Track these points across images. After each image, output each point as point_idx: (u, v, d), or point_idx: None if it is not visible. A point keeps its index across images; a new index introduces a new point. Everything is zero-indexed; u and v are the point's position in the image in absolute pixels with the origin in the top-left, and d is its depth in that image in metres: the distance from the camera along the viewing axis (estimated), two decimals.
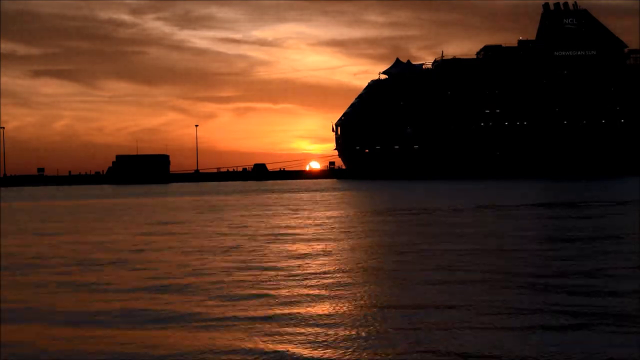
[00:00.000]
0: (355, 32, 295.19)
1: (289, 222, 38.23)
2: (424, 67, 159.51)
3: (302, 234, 30.61)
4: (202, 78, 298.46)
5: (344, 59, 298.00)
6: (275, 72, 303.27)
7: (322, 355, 10.94)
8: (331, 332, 12.35)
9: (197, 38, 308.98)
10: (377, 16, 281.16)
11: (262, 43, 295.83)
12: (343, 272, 19.32)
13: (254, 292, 16.41)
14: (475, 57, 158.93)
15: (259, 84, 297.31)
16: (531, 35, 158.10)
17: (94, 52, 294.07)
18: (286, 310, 14.20)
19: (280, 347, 11.41)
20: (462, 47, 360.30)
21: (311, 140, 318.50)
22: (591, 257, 20.94)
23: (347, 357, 10.88)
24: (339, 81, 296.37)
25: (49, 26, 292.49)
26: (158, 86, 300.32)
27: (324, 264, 20.84)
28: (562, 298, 14.92)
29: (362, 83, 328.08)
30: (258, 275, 18.98)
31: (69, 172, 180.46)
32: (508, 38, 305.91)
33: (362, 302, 15.07)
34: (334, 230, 32.71)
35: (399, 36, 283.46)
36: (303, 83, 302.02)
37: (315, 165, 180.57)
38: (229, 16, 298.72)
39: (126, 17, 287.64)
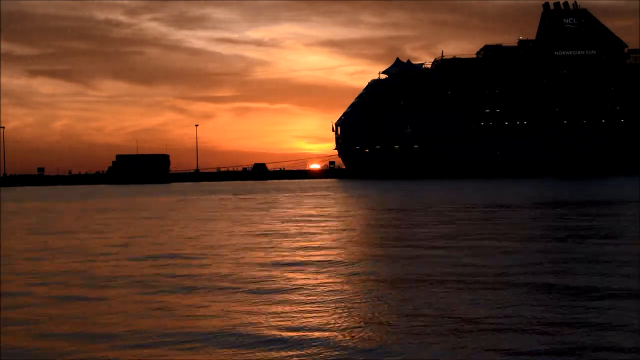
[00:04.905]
0: (352, 33, 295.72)
1: (287, 223, 38.26)
2: (423, 66, 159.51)
3: (302, 237, 30.65)
4: (199, 78, 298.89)
5: (341, 59, 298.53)
6: (273, 73, 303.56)
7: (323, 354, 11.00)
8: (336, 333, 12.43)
9: (194, 38, 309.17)
10: (373, 17, 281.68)
11: (259, 43, 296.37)
12: (343, 275, 19.37)
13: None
14: (475, 56, 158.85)
15: (256, 84, 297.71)
16: (531, 35, 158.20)
17: (91, 52, 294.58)
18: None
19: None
20: (460, 47, 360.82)
21: (310, 140, 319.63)
22: (592, 257, 20.96)
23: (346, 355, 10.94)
24: (336, 81, 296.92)
25: (46, 26, 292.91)
26: (156, 86, 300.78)
27: (327, 265, 20.89)
28: (564, 299, 14.96)
29: (359, 83, 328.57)
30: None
31: (69, 171, 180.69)
32: (508, 38, 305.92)
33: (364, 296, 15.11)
34: (334, 231, 32.75)
35: (396, 36, 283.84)
36: (300, 83, 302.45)
37: (315, 165, 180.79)
38: (224, 17, 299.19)
39: (122, 18, 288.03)
